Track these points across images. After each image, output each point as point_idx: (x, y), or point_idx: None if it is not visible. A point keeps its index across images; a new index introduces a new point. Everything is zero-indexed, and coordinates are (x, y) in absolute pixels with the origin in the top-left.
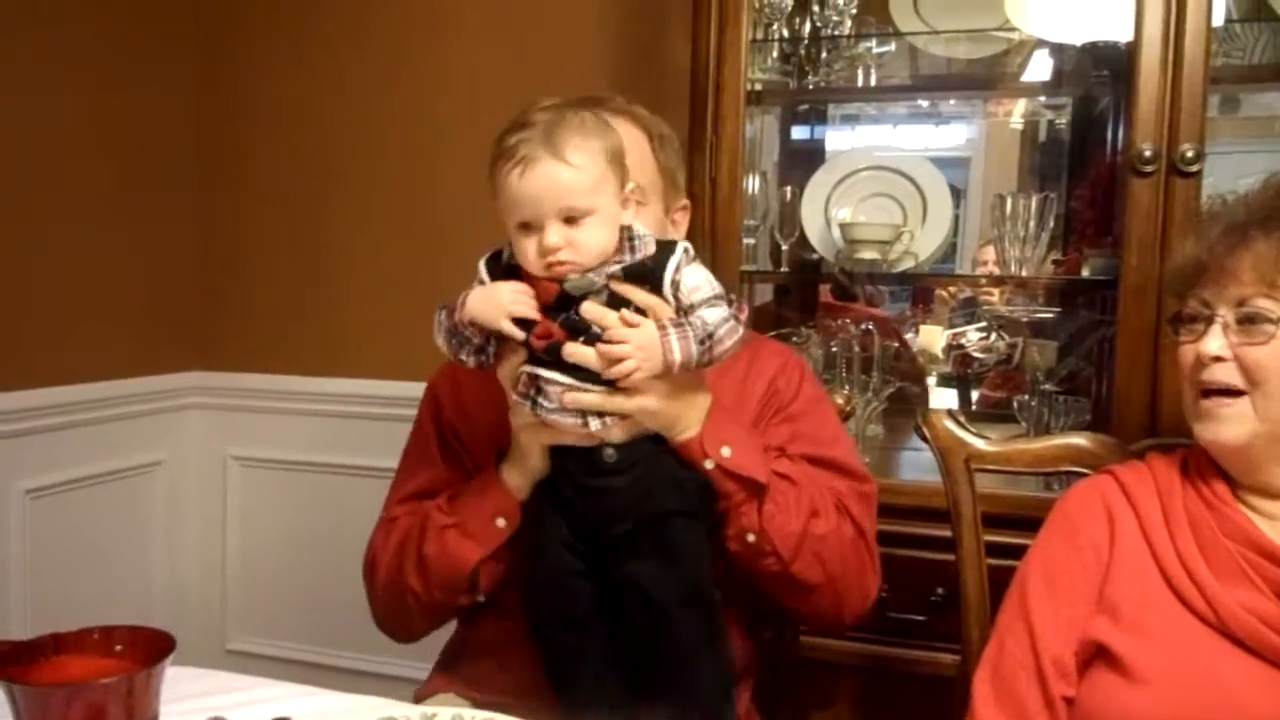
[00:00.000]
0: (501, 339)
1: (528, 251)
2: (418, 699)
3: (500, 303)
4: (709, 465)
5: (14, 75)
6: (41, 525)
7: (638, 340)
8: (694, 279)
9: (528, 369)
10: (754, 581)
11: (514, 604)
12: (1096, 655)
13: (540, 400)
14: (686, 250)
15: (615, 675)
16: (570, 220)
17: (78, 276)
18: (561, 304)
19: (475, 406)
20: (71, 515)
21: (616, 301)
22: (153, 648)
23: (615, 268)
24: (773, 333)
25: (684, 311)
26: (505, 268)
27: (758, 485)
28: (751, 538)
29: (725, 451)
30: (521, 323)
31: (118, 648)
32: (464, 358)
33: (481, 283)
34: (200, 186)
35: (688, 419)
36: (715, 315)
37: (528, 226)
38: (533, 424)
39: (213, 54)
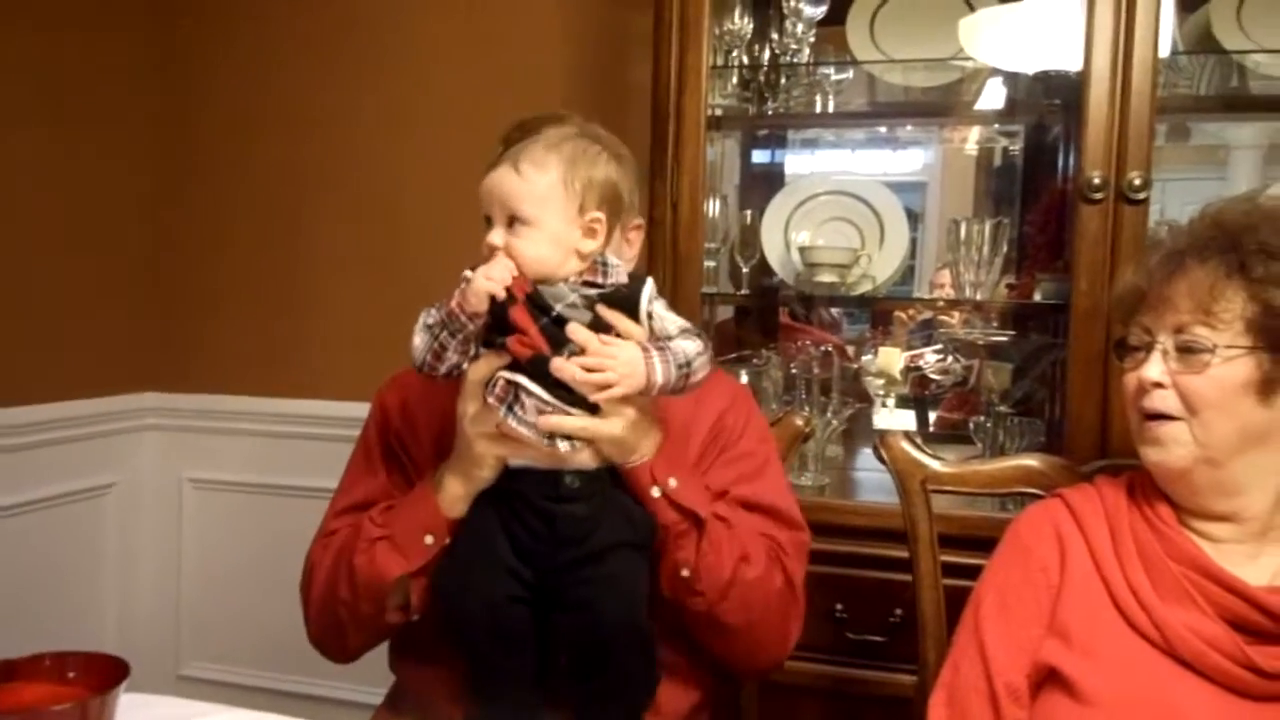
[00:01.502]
0: (486, 344)
1: (485, 247)
2: None
3: (492, 272)
4: (655, 493)
5: None
6: None
7: (622, 358)
8: (666, 312)
9: (508, 375)
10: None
11: (446, 657)
12: (1048, 678)
13: (516, 410)
14: (653, 285)
15: (538, 697)
16: (512, 225)
17: (31, 297)
18: (533, 302)
19: (423, 420)
20: (24, 538)
21: (598, 325)
22: (106, 674)
23: (592, 291)
24: (733, 354)
25: (660, 341)
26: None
27: (698, 519)
28: (685, 572)
29: (672, 482)
30: (501, 326)
31: (71, 674)
32: (448, 358)
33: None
34: (157, 207)
35: (643, 448)
36: (692, 347)
37: (489, 221)
38: (494, 435)
39: (170, 73)
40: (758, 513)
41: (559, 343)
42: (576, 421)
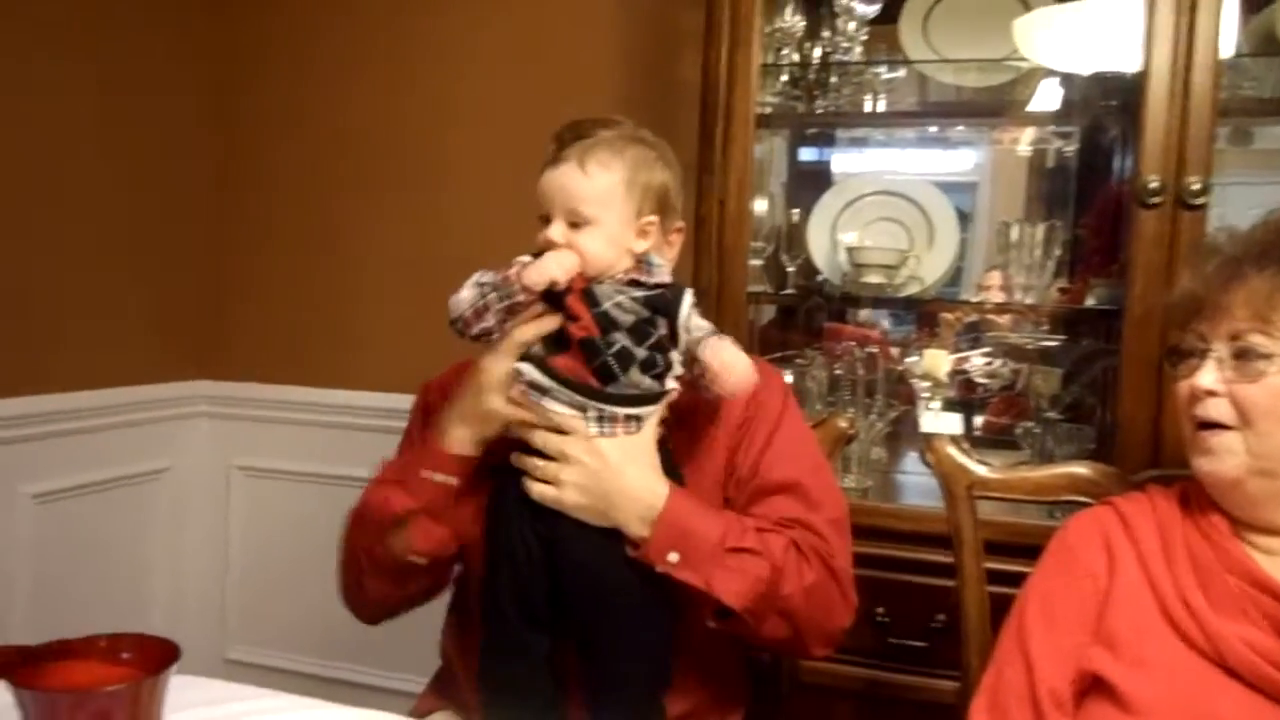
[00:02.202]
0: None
1: (537, 240)
2: (414, 715)
3: (562, 260)
4: (659, 568)
5: (26, 84)
6: (47, 530)
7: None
8: (701, 321)
9: (529, 370)
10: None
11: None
12: (1093, 686)
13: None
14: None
15: (544, 683)
16: (574, 224)
17: (87, 283)
18: (585, 296)
19: None
20: (77, 520)
21: (640, 327)
22: (158, 656)
23: (639, 292)
24: (777, 354)
25: (688, 345)
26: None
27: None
28: (711, 623)
29: (672, 558)
30: (552, 301)
31: (124, 655)
32: (486, 319)
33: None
34: (210, 196)
35: (629, 524)
36: (727, 349)
37: (545, 219)
38: (514, 401)
39: (224, 67)
40: (786, 494)
41: (607, 332)
42: (533, 461)
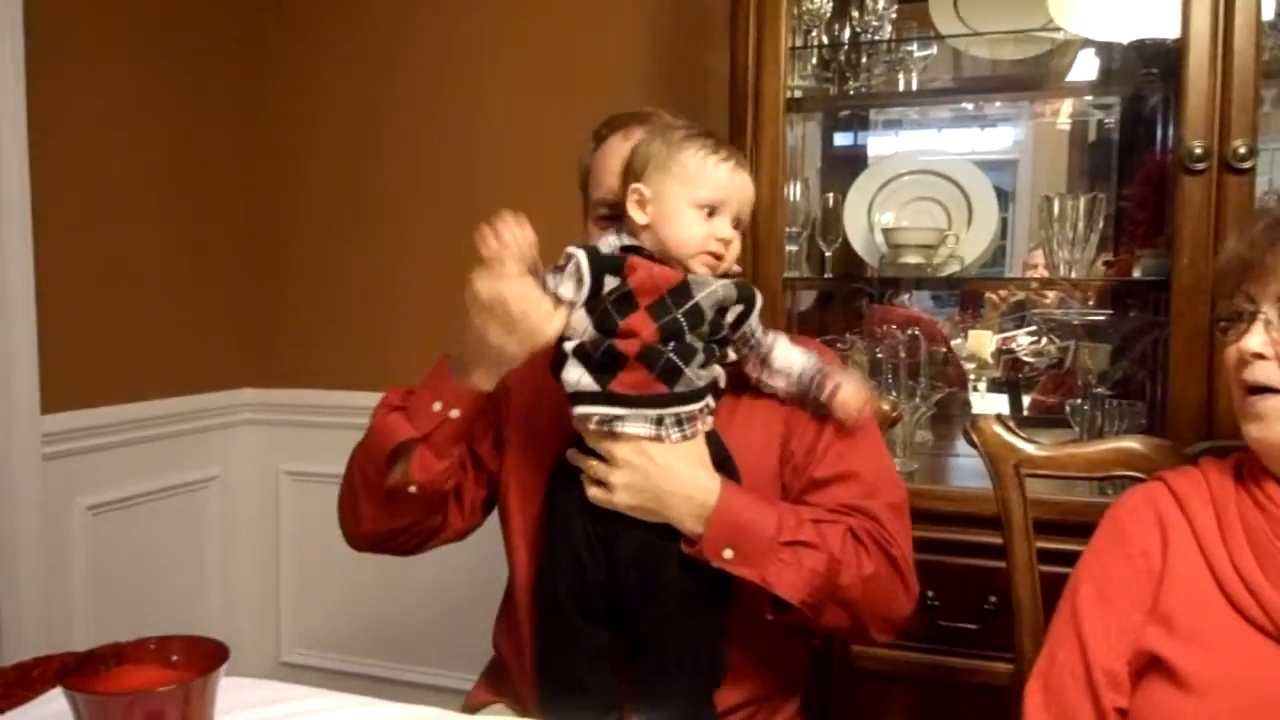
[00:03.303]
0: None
1: (695, 230)
2: (466, 709)
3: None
4: (715, 564)
5: (73, 100)
6: (102, 540)
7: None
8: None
9: (596, 409)
10: None
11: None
12: (1150, 666)
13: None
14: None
15: (604, 678)
16: (736, 225)
17: (135, 298)
18: (678, 294)
19: (516, 392)
20: (131, 530)
21: (717, 317)
22: (208, 657)
23: (724, 282)
24: (816, 339)
25: (759, 350)
26: (606, 259)
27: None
28: (770, 616)
29: (727, 554)
30: (604, 322)
31: (174, 657)
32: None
33: (563, 268)
34: (251, 209)
35: (675, 514)
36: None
37: (712, 211)
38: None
39: (260, 80)
40: (843, 481)
41: (678, 333)
42: (586, 461)
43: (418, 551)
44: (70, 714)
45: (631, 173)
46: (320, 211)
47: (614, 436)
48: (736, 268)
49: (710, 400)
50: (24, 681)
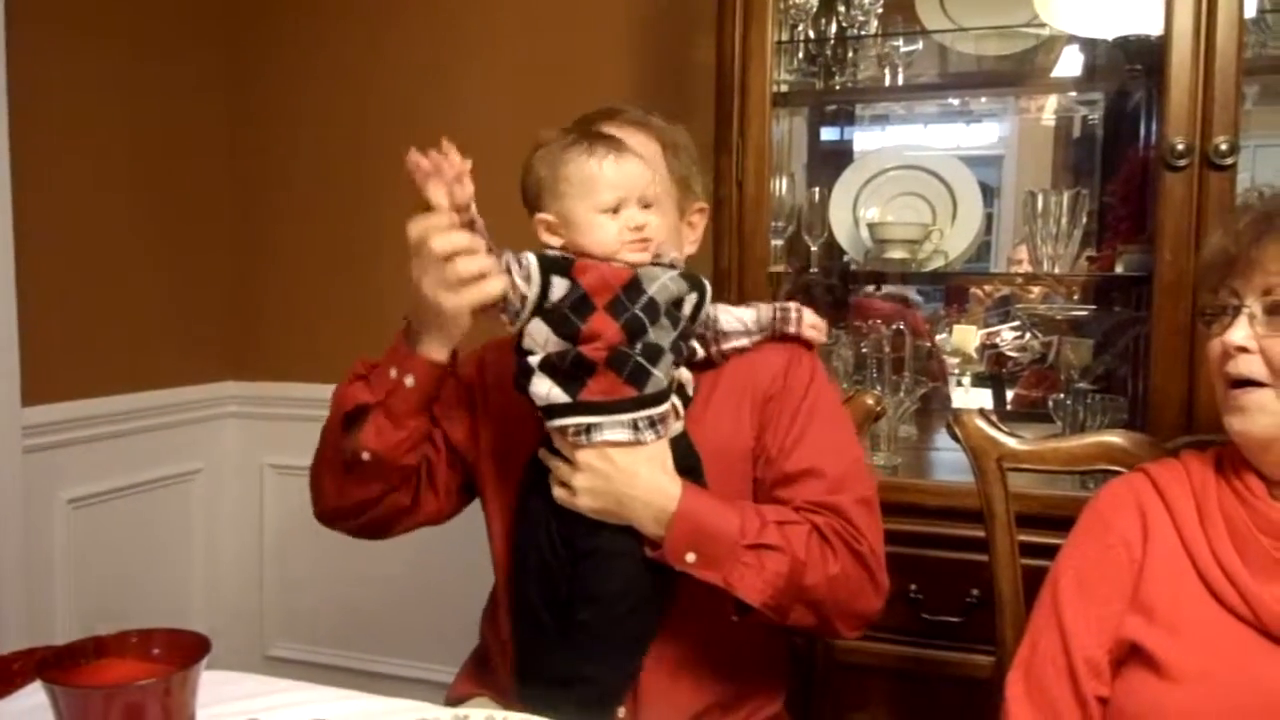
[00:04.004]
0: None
1: (608, 230)
2: (449, 701)
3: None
4: (678, 568)
5: (53, 91)
6: (83, 533)
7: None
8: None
9: (569, 420)
10: None
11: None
12: (1131, 654)
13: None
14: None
15: (583, 672)
16: (646, 206)
17: (117, 291)
18: (631, 290)
19: (494, 384)
20: (113, 523)
21: (671, 310)
22: (190, 650)
23: (674, 272)
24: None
25: (713, 326)
26: (554, 260)
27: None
28: (735, 618)
29: (690, 558)
30: (563, 325)
31: (156, 651)
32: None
33: (516, 268)
34: (233, 201)
35: (636, 517)
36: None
37: (613, 210)
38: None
39: (241, 70)
40: (812, 477)
41: (639, 329)
42: (553, 461)
43: (390, 532)
44: (50, 708)
45: (528, 204)
46: (302, 205)
47: (590, 444)
48: (675, 253)
49: (677, 401)
50: (4, 675)
